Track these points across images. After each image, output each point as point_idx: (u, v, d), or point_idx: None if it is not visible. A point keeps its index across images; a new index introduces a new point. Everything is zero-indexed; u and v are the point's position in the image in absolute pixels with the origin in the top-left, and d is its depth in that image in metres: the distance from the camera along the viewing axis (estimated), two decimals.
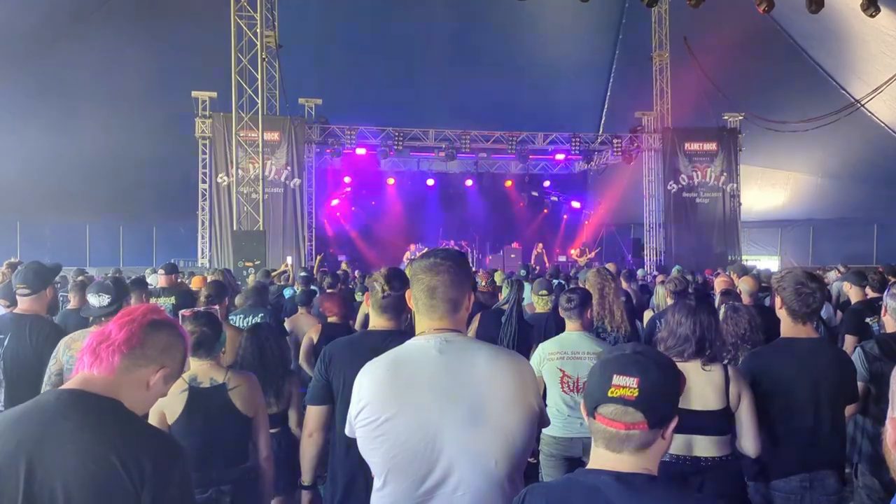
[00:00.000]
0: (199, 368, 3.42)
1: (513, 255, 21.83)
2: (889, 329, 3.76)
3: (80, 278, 7.87)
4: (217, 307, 4.84)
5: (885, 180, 22.38)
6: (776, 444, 3.20)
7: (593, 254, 21.89)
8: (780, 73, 20.92)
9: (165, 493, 1.80)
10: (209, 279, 7.89)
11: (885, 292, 3.85)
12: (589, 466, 1.66)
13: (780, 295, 3.27)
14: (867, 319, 5.17)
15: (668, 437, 1.63)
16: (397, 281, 3.04)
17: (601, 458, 1.64)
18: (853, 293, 5.81)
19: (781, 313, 3.30)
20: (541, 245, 22.46)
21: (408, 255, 20.26)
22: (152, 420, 3.19)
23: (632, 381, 1.57)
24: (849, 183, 23.51)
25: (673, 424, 1.63)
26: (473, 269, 16.53)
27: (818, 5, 16.04)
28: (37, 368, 4.05)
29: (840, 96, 20.78)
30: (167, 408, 3.27)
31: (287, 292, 8.80)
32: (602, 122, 24.97)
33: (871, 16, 16.01)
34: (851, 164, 22.79)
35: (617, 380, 1.58)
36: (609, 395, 1.59)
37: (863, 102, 19.33)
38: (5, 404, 4.00)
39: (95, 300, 3.94)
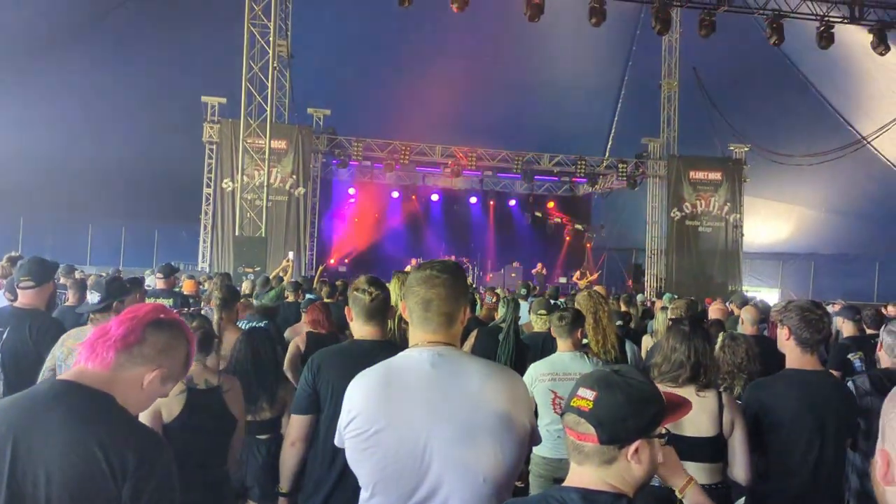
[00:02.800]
0: (194, 369, 3.41)
1: (513, 275, 21.82)
2: (883, 364, 3.76)
3: (80, 276, 7.87)
4: (225, 312, 4.83)
5: (888, 218, 22.38)
6: (777, 477, 3.15)
7: (594, 276, 21.88)
8: (787, 107, 21.03)
9: (146, 488, 1.79)
10: (208, 284, 7.90)
11: (882, 328, 3.85)
12: (564, 483, 1.69)
13: (787, 325, 3.21)
14: (849, 355, 5.19)
15: (634, 461, 1.62)
16: (378, 285, 3.09)
17: (573, 473, 1.69)
18: (846, 328, 5.83)
19: (789, 344, 3.23)
20: (541, 265, 22.46)
21: (408, 269, 20.23)
22: (145, 418, 3.17)
23: (590, 395, 1.63)
24: (852, 219, 23.53)
25: (635, 447, 1.62)
26: (474, 286, 16.53)
27: (828, 41, 16.20)
28: (36, 362, 4.03)
29: (846, 132, 20.87)
30: (164, 407, 3.26)
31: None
32: (608, 146, 25.04)
33: (881, 54, 16.17)
34: (855, 200, 22.83)
35: (580, 391, 1.66)
36: (571, 404, 1.66)
37: (869, 139, 19.40)
38: (4, 396, 3.99)
39: (90, 297, 3.97)
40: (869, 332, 6.53)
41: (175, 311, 3.77)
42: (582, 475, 1.65)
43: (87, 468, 1.75)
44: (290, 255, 13.67)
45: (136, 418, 1.96)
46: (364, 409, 2.06)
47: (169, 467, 1.90)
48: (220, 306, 4.82)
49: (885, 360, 3.74)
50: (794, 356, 3.23)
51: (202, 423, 3.28)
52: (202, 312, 7.37)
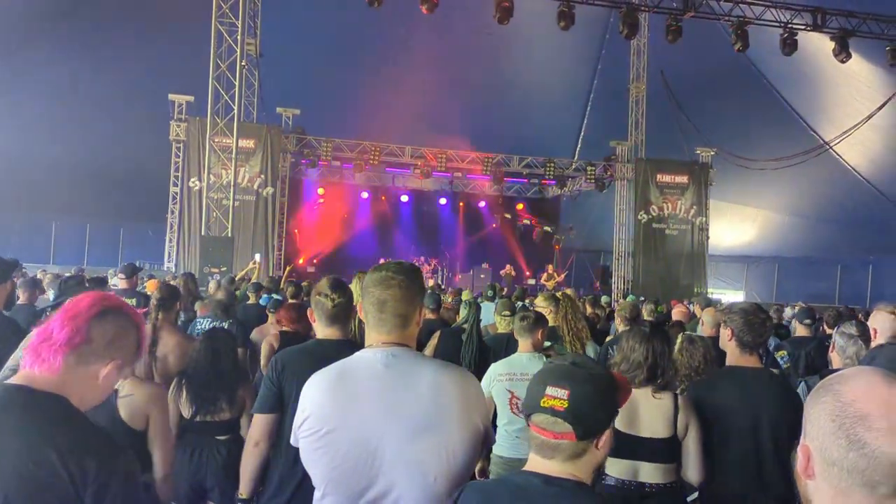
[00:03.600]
0: None
1: (482, 276, 21.89)
2: (835, 365, 3.83)
3: (41, 276, 7.75)
4: (163, 312, 4.68)
5: (850, 222, 22.85)
6: (718, 473, 3.20)
7: (562, 277, 22.00)
8: (752, 112, 21.35)
9: (108, 492, 1.74)
10: (167, 283, 7.82)
11: (835, 330, 3.93)
12: (525, 468, 1.71)
13: (730, 326, 3.29)
14: (776, 354, 5.33)
15: (601, 448, 1.67)
16: (340, 290, 3.12)
17: (534, 462, 1.69)
18: (798, 329, 5.98)
19: (730, 345, 3.32)
20: (509, 266, 22.56)
21: None
22: None
23: (562, 393, 1.62)
24: (815, 223, 23.97)
25: (605, 437, 1.66)
26: (443, 287, 16.56)
27: (792, 48, 16.48)
28: None
29: (810, 137, 21.24)
30: None
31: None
32: (577, 148, 25.23)
33: (843, 61, 16.48)
34: (818, 204, 23.25)
35: (549, 390, 1.64)
36: (541, 405, 1.64)
37: (832, 145, 19.78)
38: None
39: (49, 294, 3.92)
40: (829, 332, 6.68)
41: None
42: (545, 465, 1.66)
43: (45, 476, 1.68)
44: (257, 256, 13.55)
45: (92, 422, 1.90)
46: (317, 409, 2.07)
47: (130, 471, 1.85)
48: (157, 306, 4.70)
49: (836, 360, 3.82)
50: (734, 356, 3.32)
51: None
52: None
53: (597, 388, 1.66)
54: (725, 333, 3.34)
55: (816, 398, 1.23)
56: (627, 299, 10.59)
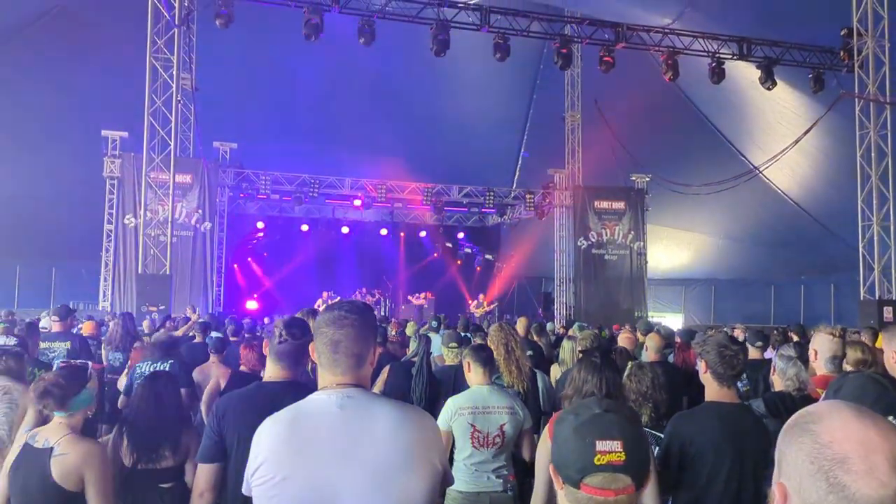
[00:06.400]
0: (51, 425, 3.22)
1: (425, 306, 21.89)
2: (777, 387, 3.91)
3: None
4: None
5: (781, 243, 23.57)
6: None
7: (492, 306, 22.09)
8: (684, 138, 21.93)
9: None
10: (111, 324, 7.61)
11: (774, 353, 4.00)
12: None
13: (705, 359, 3.29)
14: None
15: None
16: (297, 329, 3.03)
17: None
18: (751, 352, 6.11)
19: (706, 378, 3.32)
20: (421, 295, 22.48)
21: (319, 302, 19.99)
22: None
23: (616, 445, 1.48)
24: (748, 245, 24.66)
25: (651, 478, 1.57)
26: (387, 317, 16.46)
27: (720, 76, 17.04)
28: None
29: (740, 162, 21.90)
30: (7, 461, 3.12)
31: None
32: (516, 177, 25.53)
33: (769, 88, 17.11)
34: (750, 227, 23.94)
35: (601, 445, 1.48)
36: (596, 462, 1.47)
37: (761, 169, 20.42)
38: None
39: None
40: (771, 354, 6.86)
41: (62, 362, 3.57)
42: None
43: None
44: (198, 310, 13.30)
45: None
46: (271, 456, 2.00)
47: None
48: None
49: (778, 383, 3.89)
50: (712, 389, 3.31)
51: (22, 487, 3.04)
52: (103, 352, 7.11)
53: (637, 427, 1.55)
54: (701, 366, 3.35)
55: (792, 437, 1.22)
56: (574, 327, 10.65)
